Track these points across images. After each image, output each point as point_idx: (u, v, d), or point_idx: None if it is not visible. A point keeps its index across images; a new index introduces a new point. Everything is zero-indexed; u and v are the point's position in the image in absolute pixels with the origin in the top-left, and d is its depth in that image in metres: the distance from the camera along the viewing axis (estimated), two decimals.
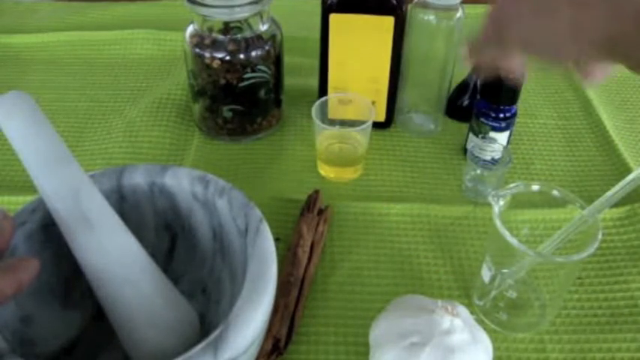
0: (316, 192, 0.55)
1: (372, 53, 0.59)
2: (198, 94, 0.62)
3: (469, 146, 0.59)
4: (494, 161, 0.56)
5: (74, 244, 0.34)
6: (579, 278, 0.50)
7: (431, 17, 0.58)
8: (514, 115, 0.57)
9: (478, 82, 0.59)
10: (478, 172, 0.56)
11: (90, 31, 0.80)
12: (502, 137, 0.58)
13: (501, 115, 0.56)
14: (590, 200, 0.41)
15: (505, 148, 0.57)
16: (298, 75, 0.73)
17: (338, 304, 0.47)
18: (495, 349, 0.42)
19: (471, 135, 0.60)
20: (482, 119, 0.57)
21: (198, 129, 0.65)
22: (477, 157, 0.56)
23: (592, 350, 0.44)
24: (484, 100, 0.56)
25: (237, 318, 0.32)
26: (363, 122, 0.56)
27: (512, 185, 0.43)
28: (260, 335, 0.33)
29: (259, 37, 0.58)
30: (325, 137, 0.59)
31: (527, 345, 0.45)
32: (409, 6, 0.58)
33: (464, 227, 0.54)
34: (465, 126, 0.67)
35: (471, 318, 0.40)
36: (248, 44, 0.58)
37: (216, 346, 0.30)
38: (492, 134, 0.57)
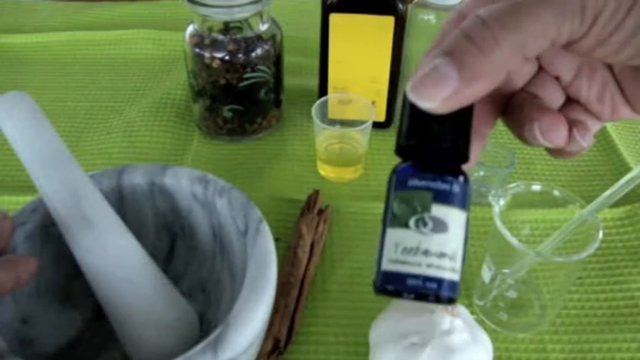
0: (316, 192, 0.55)
1: (372, 53, 0.59)
2: (198, 94, 0.62)
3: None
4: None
5: (74, 244, 0.34)
6: (579, 278, 0.50)
7: (431, 17, 0.58)
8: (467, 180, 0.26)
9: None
10: (481, 173, 0.56)
11: (90, 31, 0.80)
12: (456, 220, 0.25)
13: (452, 170, 0.26)
14: (590, 200, 0.41)
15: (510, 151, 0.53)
16: (298, 75, 0.73)
17: (338, 304, 0.47)
18: (495, 349, 0.42)
19: (388, 234, 0.25)
20: (415, 182, 0.25)
21: (198, 129, 0.65)
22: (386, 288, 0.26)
23: (592, 350, 0.44)
24: (411, 160, 0.26)
25: (237, 318, 0.32)
26: (363, 122, 0.56)
27: (512, 185, 0.43)
28: (260, 335, 0.33)
29: (259, 37, 0.58)
30: (325, 137, 0.59)
31: (527, 345, 0.45)
32: (409, 6, 0.58)
33: None
34: None
35: (471, 318, 0.40)
36: (248, 44, 0.58)
37: (216, 346, 0.30)
38: (438, 210, 0.25)
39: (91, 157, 0.61)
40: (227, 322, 0.31)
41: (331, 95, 0.61)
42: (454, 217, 0.25)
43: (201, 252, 0.43)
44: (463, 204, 0.25)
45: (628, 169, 0.61)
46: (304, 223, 0.51)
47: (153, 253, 0.38)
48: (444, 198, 0.25)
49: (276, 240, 0.43)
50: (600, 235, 0.39)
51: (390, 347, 0.38)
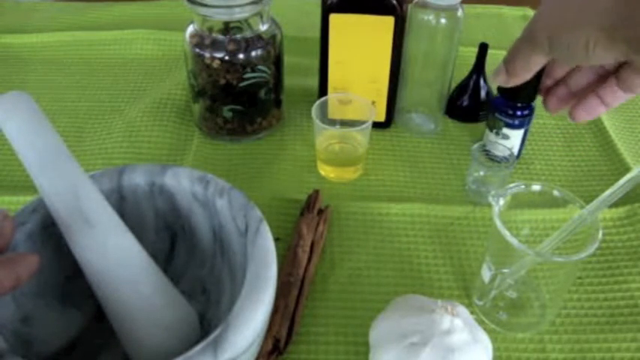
0: (316, 192, 0.55)
1: (372, 53, 0.59)
2: (198, 94, 0.62)
3: (475, 146, 0.59)
4: (504, 159, 0.57)
5: (74, 244, 0.34)
6: (579, 278, 0.50)
7: (431, 17, 0.58)
8: (530, 113, 0.58)
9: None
10: (481, 173, 0.56)
11: (90, 31, 0.80)
12: (515, 135, 0.59)
13: (517, 113, 0.57)
14: (590, 200, 0.41)
15: (511, 150, 0.57)
16: (298, 75, 0.73)
17: (338, 304, 0.47)
18: (495, 349, 0.42)
19: (487, 131, 0.61)
20: (497, 114, 0.58)
21: (198, 129, 0.65)
22: (487, 151, 0.58)
23: (592, 350, 0.44)
24: (502, 96, 0.57)
25: (237, 318, 0.32)
26: (363, 122, 0.56)
27: (512, 185, 0.43)
28: (260, 335, 0.33)
29: (259, 37, 0.58)
30: (325, 137, 0.59)
31: (527, 345, 0.45)
32: (409, 6, 0.58)
33: (464, 227, 0.54)
34: (464, 126, 0.67)
35: (471, 318, 0.40)
36: (248, 44, 0.58)
37: (216, 346, 0.30)
38: (506, 130, 0.58)
39: (91, 157, 0.61)
40: (227, 322, 0.31)
41: (331, 95, 0.61)
42: (514, 134, 0.59)
43: (202, 252, 0.43)
44: (520, 127, 0.58)
45: (628, 170, 0.61)
46: (304, 223, 0.51)
47: (153, 253, 0.38)
48: (509, 125, 0.58)
49: (276, 240, 0.43)
50: (600, 235, 0.39)
51: (390, 347, 0.38)
